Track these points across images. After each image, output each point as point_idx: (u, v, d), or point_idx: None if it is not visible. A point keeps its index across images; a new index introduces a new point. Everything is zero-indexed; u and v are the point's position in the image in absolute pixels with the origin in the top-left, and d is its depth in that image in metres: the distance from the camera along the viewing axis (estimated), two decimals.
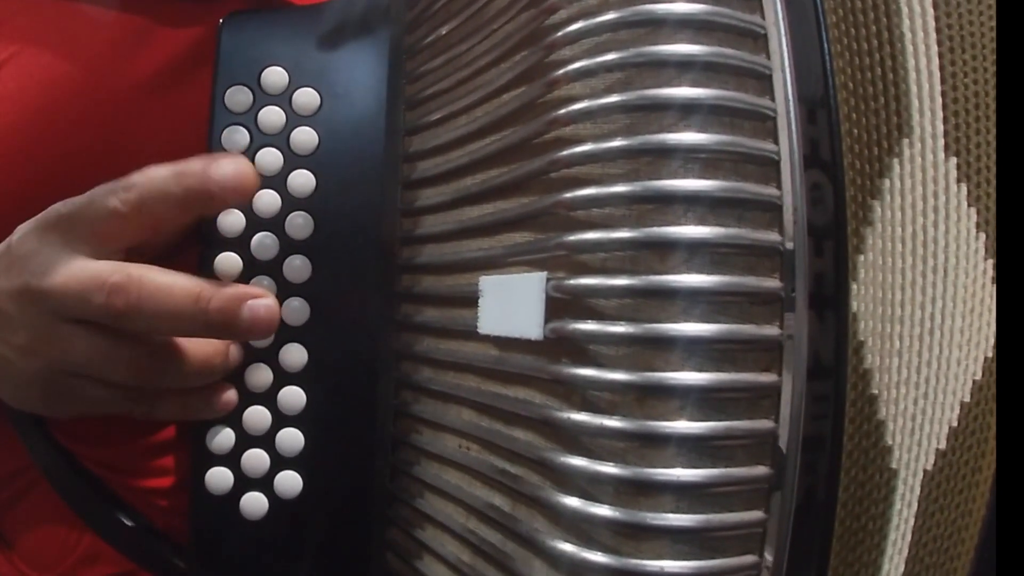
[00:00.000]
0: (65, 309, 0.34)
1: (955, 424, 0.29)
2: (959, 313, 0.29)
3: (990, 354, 0.29)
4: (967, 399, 0.29)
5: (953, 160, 0.29)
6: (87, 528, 0.40)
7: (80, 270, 0.33)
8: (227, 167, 0.34)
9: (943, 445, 0.29)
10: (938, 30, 0.29)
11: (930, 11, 0.29)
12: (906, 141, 0.29)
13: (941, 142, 0.29)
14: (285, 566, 0.36)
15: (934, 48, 0.29)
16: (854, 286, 0.28)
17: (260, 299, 0.34)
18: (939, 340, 0.29)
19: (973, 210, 0.29)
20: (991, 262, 0.29)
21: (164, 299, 0.33)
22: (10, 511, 0.44)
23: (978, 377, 0.29)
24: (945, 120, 0.29)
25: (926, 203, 0.29)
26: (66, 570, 0.42)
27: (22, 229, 0.35)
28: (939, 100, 0.29)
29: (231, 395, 0.37)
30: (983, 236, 0.29)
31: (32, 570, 0.42)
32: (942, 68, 0.29)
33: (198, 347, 0.35)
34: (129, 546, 0.39)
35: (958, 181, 0.29)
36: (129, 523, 0.39)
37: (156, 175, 0.34)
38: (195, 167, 0.34)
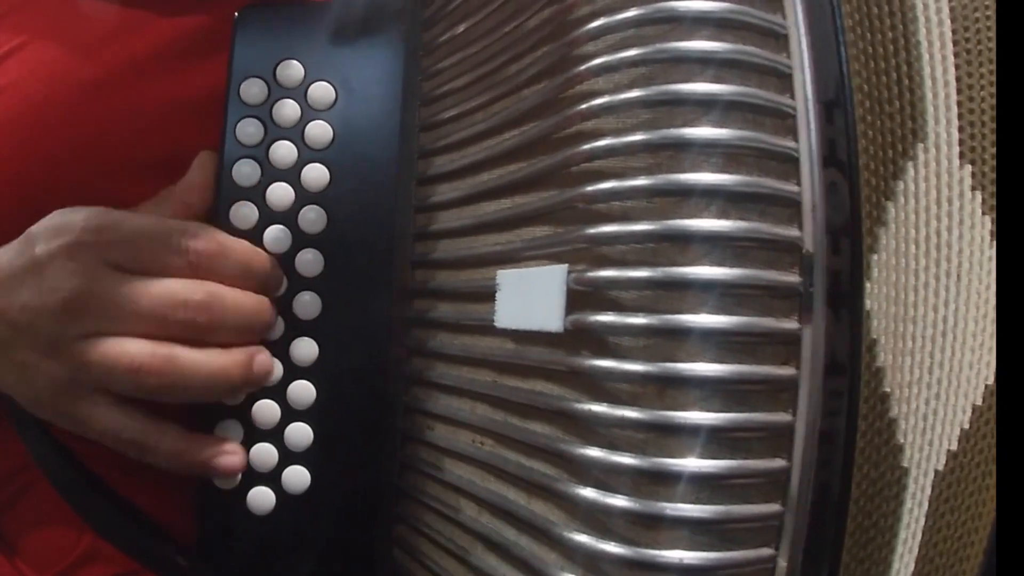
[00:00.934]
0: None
1: (966, 426, 0.29)
2: (972, 318, 0.29)
3: None
4: (979, 402, 0.30)
5: (968, 168, 0.29)
6: (87, 527, 0.40)
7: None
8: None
9: (954, 446, 0.29)
10: (955, 41, 0.29)
11: (947, 22, 0.29)
12: (921, 146, 0.29)
13: (956, 150, 0.29)
14: (291, 561, 0.36)
15: (951, 59, 0.29)
16: (867, 284, 0.28)
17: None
18: (951, 343, 0.29)
19: (988, 218, 0.29)
20: None
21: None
22: (9, 510, 0.43)
23: (989, 382, 0.29)
24: (960, 129, 0.29)
25: (940, 208, 0.29)
26: (66, 569, 0.41)
27: None
28: (955, 109, 0.29)
29: (234, 460, 0.36)
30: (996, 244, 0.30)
31: (32, 569, 0.42)
32: (959, 79, 0.29)
33: (213, 354, 0.35)
34: (129, 544, 0.39)
35: (973, 189, 0.29)
36: (129, 521, 0.39)
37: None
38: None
